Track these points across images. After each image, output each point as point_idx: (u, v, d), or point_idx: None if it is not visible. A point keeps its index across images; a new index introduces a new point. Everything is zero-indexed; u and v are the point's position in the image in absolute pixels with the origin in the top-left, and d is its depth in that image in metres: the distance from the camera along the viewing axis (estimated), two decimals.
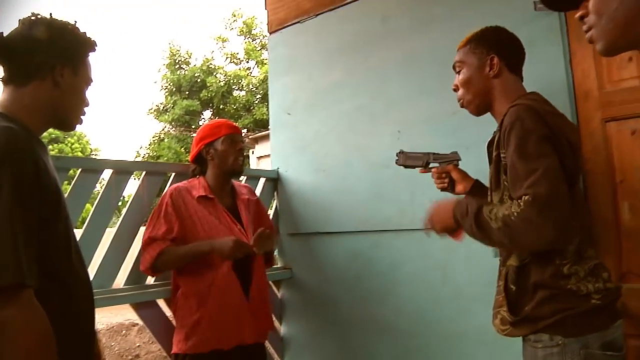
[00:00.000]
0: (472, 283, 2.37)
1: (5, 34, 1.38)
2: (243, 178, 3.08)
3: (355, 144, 2.80)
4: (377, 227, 2.69)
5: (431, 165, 2.02)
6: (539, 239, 1.37)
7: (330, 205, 2.87)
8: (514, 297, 1.54)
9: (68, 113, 1.47)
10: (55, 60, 1.39)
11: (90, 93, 1.53)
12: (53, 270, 1.29)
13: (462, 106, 1.79)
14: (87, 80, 1.50)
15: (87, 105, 1.52)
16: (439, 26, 2.54)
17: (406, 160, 2.03)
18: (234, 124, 2.59)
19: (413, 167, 2.03)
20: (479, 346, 2.34)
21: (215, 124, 2.54)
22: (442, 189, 1.99)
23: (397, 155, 2.03)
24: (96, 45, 1.52)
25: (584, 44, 2.10)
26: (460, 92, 1.76)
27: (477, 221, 1.49)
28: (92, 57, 1.52)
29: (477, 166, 2.29)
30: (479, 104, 1.73)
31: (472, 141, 2.36)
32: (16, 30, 1.40)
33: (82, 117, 1.51)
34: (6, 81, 1.38)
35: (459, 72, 1.76)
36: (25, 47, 1.37)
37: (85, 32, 1.49)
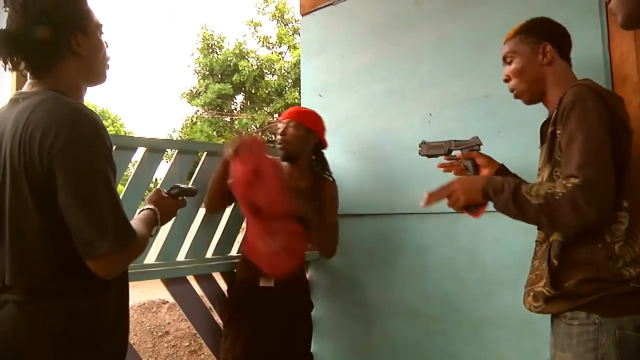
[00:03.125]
0: (499, 268, 2.36)
1: (7, 29, 1.32)
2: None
3: (386, 127, 2.79)
4: (406, 210, 2.69)
5: (454, 152, 2.05)
6: (580, 222, 1.40)
7: (360, 188, 2.87)
8: (556, 271, 1.55)
9: (97, 71, 1.48)
10: (67, 37, 1.37)
11: (105, 36, 1.50)
12: None
13: (515, 96, 1.80)
14: (98, 29, 1.47)
15: (106, 48, 1.51)
16: (472, 8, 2.50)
17: (429, 150, 2.10)
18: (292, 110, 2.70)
19: (436, 156, 2.07)
20: (504, 331, 2.33)
21: None
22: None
23: (419, 146, 2.07)
24: None
25: None
26: (513, 82, 1.78)
27: (514, 196, 1.50)
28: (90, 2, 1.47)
29: (508, 150, 2.27)
30: (532, 92, 1.75)
31: (503, 125, 2.34)
32: (12, 21, 1.33)
33: (108, 64, 1.52)
34: (33, 70, 1.37)
35: (509, 63, 1.78)
36: (32, 37, 1.31)
37: None
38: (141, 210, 1.60)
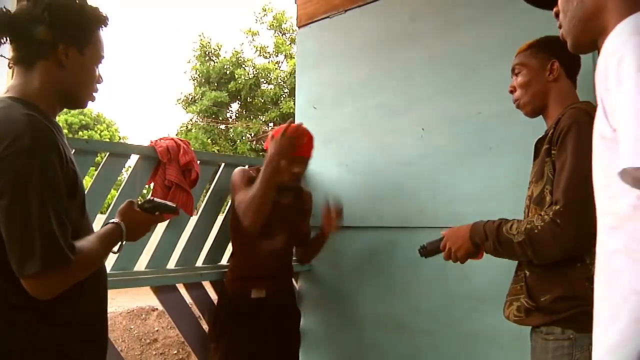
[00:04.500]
0: (488, 283, 2.37)
1: (11, 11, 1.35)
2: None
3: (379, 141, 2.81)
4: (397, 223, 2.70)
5: None
6: (562, 249, 1.47)
7: (351, 200, 2.88)
8: (530, 283, 1.60)
9: (78, 92, 1.46)
10: (57, 39, 1.36)
11: (102, 68, 1.50)
12: None
13: (517, 107, 1.84)
14: (97, 58, 1.47)
15: (99, 82, 1.50)
16: (466, 28, 2.53)
17: (432, 249, 1.94)
18: (304, 145, 2.46)
19: (439, 253, 1.94)
20: (493, 346, 2.34)
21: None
22: None
23: (419, 252, 1.96)
24: (107, 20, 1.47)
25: None
26: (518, 93, 1.82)
27: (498, 240, 1.59)
28: (104, 32, 1.48)
29: (499, 167, 2.30)
30: (535, 105, 1.79)
31: (495, 142, 2.36)
32: (21, 8, 1.37)
33: (94, 93, 1.50)
34: (15, 62, 1.38)
35: (517, 75, 1.82)
36: (27, 25, 1.33)
37: (95, 8, 1.45)
38: (106, 223, 1.51)
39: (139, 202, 1.61)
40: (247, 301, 2.52)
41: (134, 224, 1.53)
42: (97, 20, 1.45)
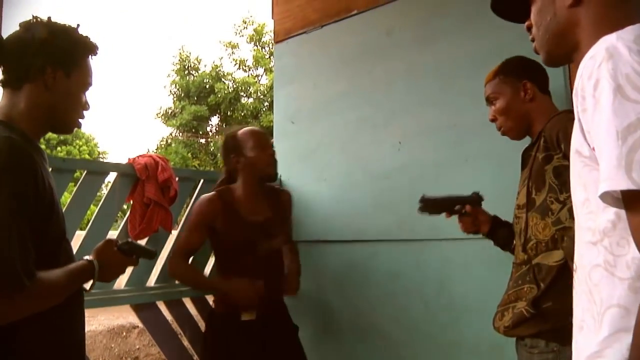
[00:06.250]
0: (467, 294, 2.39)
1: (3, 37, 1.39)
2: None
3: (357, 154, 2.84)
4: (376, 237, 2.72)
5: (456, 208, 1.96)
6: None
7: (331, 214, 2.90)
8: (541, 293, 1.58)
9: (62, 116, 1.46)
10: (45, 62, 1.38)
11: (90, 96, 1.52)
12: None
13: (503, 133, 1.85)
14: (84, 84, 1.49)
15: (85, 108, 1.50)
16: (442, 41, 2.57)
17: (431, 207, 1.96)
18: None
19: (438, 213, 1.98)
20: (473, 356, 2.36)
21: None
22: (473, 232, 1.96)
23: (419, 203, 1.94)
24: (97, 49, 1.50)
25: None
26: (500, 120, 1.83)
27: None
28: (93, 61, 1.51)
29: (475, 178, 2.33)
30: (520, 128, 1.81)
31: (471, 153, 2.40)
32: (13, 33, 1.40)
33: (79, 120, 1.50)
34: (4, 84, 1.40)
35: (493, 104, 1.84)
36: (16, 49, 1.37)
37: (85, 36, 1.48)
38: (80, 259, 1.47)
39: (118, 243, 1.56)
40: (238, 324, 2.42)
41: (108, 265, 1.49)
42: (86, 47, 1.48)
